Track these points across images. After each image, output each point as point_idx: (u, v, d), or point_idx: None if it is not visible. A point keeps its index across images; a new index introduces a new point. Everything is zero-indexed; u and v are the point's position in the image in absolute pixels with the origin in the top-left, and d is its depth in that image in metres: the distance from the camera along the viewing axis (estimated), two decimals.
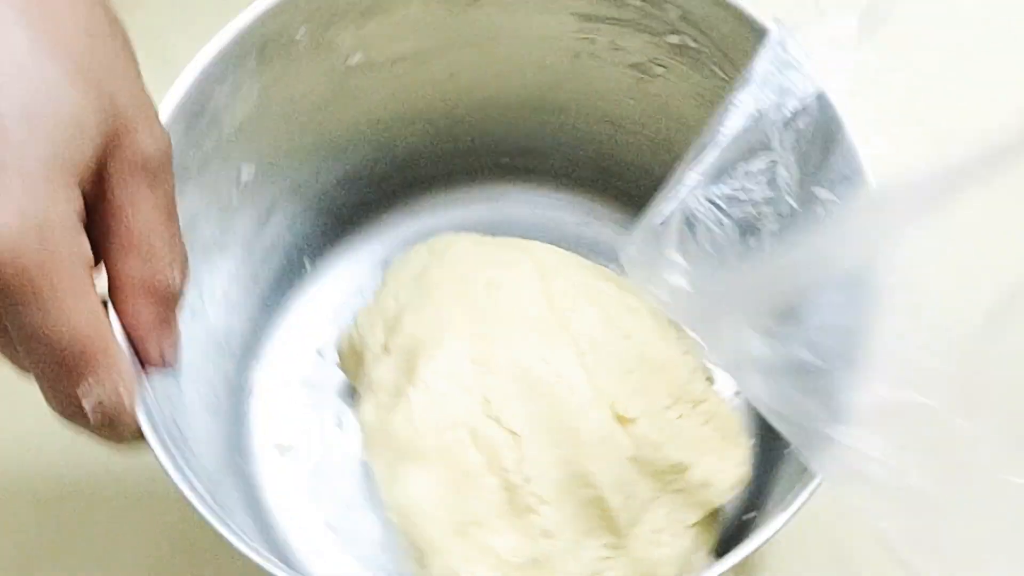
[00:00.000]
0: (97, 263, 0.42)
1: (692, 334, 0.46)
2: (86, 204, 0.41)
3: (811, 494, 0.44)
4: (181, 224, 0.44)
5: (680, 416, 0.51)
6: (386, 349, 0.53)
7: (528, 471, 0.49)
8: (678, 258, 0.46)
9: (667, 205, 0.46)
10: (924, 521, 0.43)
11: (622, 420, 0.50)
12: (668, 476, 0.50)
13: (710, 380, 0.54)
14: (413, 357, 0.51)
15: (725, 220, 0.47)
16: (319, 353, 0.59)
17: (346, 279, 0.61)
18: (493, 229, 0.58)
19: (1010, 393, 0.44)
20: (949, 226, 0.42)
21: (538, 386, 0.50)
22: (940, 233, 0.42)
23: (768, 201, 0.47)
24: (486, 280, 0.52)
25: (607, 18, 0.53)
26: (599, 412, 0.49)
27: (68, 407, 0.42)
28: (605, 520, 0.50)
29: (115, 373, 0.41)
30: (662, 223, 0.46)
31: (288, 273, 0.60)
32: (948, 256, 0.44)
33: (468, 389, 0.50)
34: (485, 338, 0.51)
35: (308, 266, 0.60)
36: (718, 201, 0.47)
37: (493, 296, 0.52)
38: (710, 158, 0.47)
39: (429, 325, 0.52)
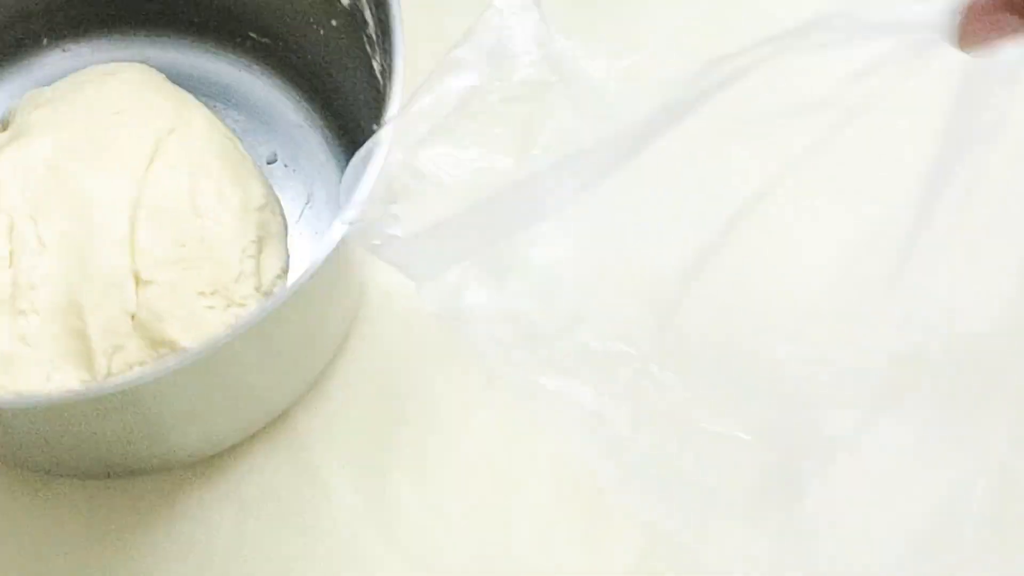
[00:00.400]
0: None
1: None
2: None
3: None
4: None
5: (209, 307, 0.53)
6: (10, 125, 0.57)
7: (36, 280, 0.52)
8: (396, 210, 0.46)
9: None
10: (627, 464, 0.45)
11: (138, 279, 0.52)
12: (163, 350, 0.52)
13: (264, 295, 0.55)
14: (14, 139, 0.55)
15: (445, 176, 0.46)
16: None
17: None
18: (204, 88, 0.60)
19: (703, 343, 0.45)
20: (652, 176, 0.43)
21: (84, 213, 0.53)
22: (644, 184, 0.43)
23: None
24: (118, 109, 0.55)
25: None
26: (118, 261, 0.52)
27: None
28: (85, 357, 0.52)
29: None
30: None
31: (25, 43, 0.62)
32: (652, 206, 0.45)
33: (27, 186, 0.53)
34: (73, 153, 0.54)
35: (46, 42, 0.63)
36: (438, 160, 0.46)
37: (111, 123, 0.55)
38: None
39: (44, 120, 0.55)
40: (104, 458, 0.53)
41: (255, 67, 0.62)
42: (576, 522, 0.55)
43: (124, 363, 0.51)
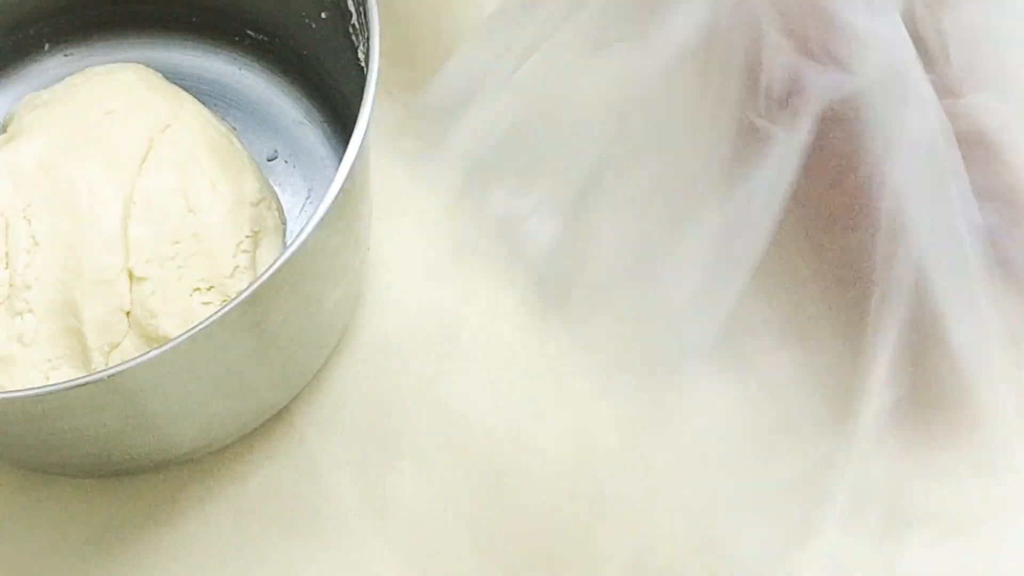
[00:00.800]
0: None
1: None
2: None
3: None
4: None
5: (204, 303, 0.54)
6: (8, 128, 0.58)
7: (31, 279, 0.53)
8: None
9: None
10: None
11: (132, 276, 0.53)
12: (159, 345, 0.51)
13: None
14: (10, 140, 0.56)
15: None
16: None
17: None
18: (205, 88, 0.62)
19: None
20: None
21: (77, 211, 0.54)
22: None
23: None
24: (110, 107, 0.56)
25: None
26: (111, 258, 0.53)
27: None
28: (82, 355, 0.54)
29: None
30: None
31: (27, 49, 0.64)
32: None
33: (22, 187, 0.54)
34: (66, 152, 0.55)
35: (48, 47, 0.64)
36: None
37: (103, 122, 0.56)
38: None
39: (38, 121, 0.56)
40: (103, 455, 0.54)
41: (254, 65, 0.63)
42: (575, 521, 0.55)
43: (121, 360, 0.52)
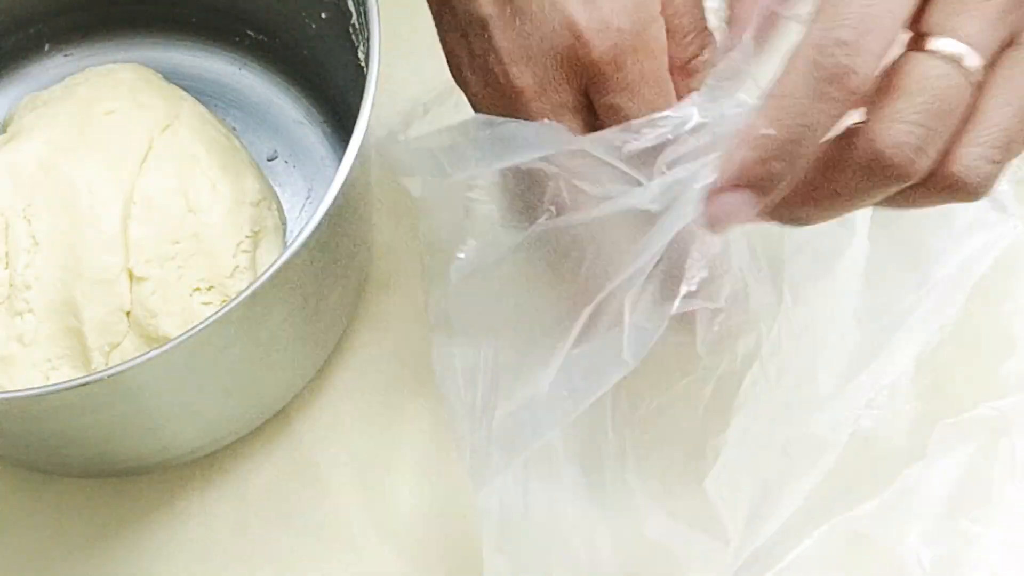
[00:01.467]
0: None
1: None
2: None
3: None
4: None
5: (204, 303, 0.54)
6: (8, 128, 0.58)
7: (31, 279, 0.54)
8: None
9: None
10: None
11: (132, 276, 0.53)
12: (159, 345, 0.51)
13: None
14: (10, 140, 0.57)
15: None
16: None
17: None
18: (204, 88, 0.62)
19: None
20: None
21: (77, 211, 0.54)
22: None
23: None
24: (110, 107, 0.56)
25: None
26: (111, 258, 0.53)
27: None
28: (82, 355, 0.54)
29: None
30: None
31: (27, 49, 0.64)
32: None
33: (22, 187, 0.55)
34: (66, 152, 0.55)
35: (48, 47, 0.65)
36: None
37: (102, 122, 0.56)
38: None
39: (38, 121, 0.56)
40: (103, 455, 0.54)
41: (254, 65, 0.64)
42: None
43: (121, 360, 0.52)
